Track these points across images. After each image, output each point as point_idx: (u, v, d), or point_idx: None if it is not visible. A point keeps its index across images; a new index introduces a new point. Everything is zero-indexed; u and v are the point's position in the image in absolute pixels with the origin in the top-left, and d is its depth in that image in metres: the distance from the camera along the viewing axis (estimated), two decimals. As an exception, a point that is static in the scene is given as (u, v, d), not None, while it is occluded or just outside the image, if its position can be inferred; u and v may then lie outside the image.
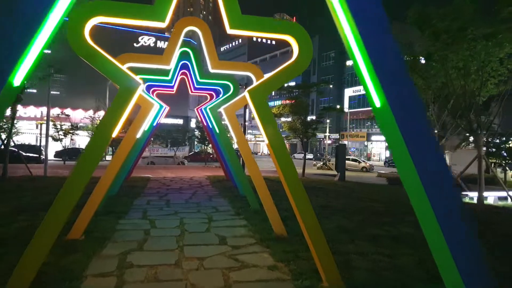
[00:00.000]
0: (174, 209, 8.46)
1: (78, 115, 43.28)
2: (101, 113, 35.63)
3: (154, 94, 13.04)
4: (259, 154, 69.64)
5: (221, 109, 6.19)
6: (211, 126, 10.69)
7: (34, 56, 2.64)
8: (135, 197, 9.94)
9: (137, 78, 4.08)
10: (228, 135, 9.31)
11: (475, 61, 12.23)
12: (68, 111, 43.91)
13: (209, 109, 8.61)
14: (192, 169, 23.08)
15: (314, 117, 20.42)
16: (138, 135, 5.89)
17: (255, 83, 6.33)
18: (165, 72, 8.38)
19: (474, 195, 14.15)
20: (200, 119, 14.16)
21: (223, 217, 7.69)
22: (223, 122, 9.19)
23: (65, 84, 57.32)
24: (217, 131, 8.69)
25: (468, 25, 11.33)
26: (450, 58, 12.61)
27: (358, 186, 16.25)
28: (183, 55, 9.99)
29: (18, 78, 2.61)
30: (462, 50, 11.96)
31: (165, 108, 12.63)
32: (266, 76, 4.30)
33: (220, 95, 9.51)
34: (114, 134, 3.84)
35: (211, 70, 5.84)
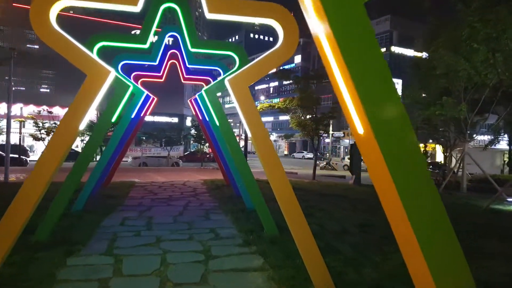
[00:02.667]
0: (156, 234, 5.97)
1: (67, 113, 40.62)
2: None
3: (139, 82, 10.59)
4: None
5: (226, 82, 3.70)
6: (208, 118, 8.22)
7: None
8: (107, 213, 7.43)
9: None
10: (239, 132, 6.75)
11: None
12: (56, 109, 41.29)
13: (206, 92, 6.14)
14: (187, 171, 20.56)
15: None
16: (82, 125, 3.42)
17: (279, 43, 3.88)
18: (142, 37, 5.87)
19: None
20: (194, 112, 11.71)
21: (226, 249, 5.21)
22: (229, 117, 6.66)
23: (54, 81, 54.59)
24: (217, 122, 6.19)
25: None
26: (502, 38, 10.32)
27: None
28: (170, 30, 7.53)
29: None
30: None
31: (150, 97, 10.13)
32: None
33: (220, 77, 7.04)
34: None
35: (208, 16, 3.40)
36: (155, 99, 11.27)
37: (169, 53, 9.69)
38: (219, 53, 6.36)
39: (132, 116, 8.11)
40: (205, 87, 6.30)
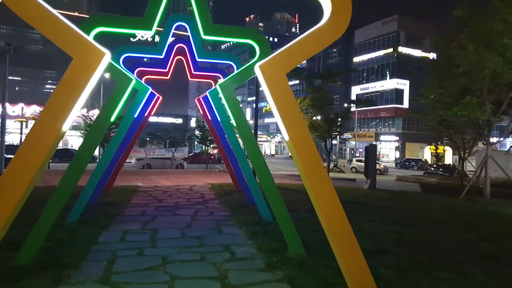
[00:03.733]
0: (162, 253, 5.10)
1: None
2: (96, 112, 32.52)
3: (143, 79, 9.79)
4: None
5: (256, 68, 2.83)
6: (220, 118, 7.36)
7: None
8: (106, 225, 6.58)
9: None
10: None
11: None
12: (59, 109, 40.70)
13: (221, 87, 5.26)
14: (192, 174, 19.73)
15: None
16: (67, 125, 2.57)
17: (325, 19, 3.00)
18: (146, 21, 4.99)
19: None
20: (202, 112, 10.86)
21: (246, 275, 4.32)
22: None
23: (57, 80, 54.03)
24: (233, 121, 5.29)
25: None
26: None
27: (399, 197, 12.92)
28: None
29: None
30: None
31: (155, 96, 9.29)
32: None
33: (236, 71, 6.17)
34: None
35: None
36: (160, 97, 10.45)
37: (176, 46, 8.87)
38: (236, 41, 5.48)
39: (135, 115, 7.27)
40: (220, 81, 5.43)
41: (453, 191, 14.78)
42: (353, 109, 46.92)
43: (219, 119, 8.02)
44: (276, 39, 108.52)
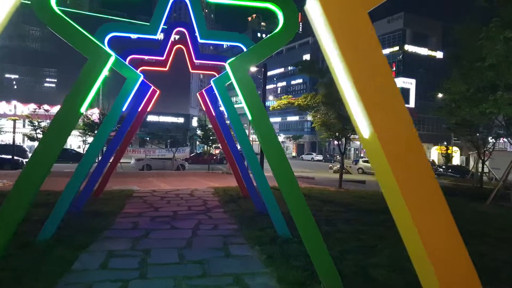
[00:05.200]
0: (153, 287, 3.86)
1: (69, 112, 39.15)
2: (95, 111, 31.34)
3: (138, 70, 8.54)
4: (262, 154, 65.12)
5: (310, 2, 1.60)
6: (227, 112, 6.11)
7: None
8: (87, 243, 5.30)
9: None
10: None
11: None
12: (58, 108, 39.57)
13: (231, 67, 3.99)
14: (193, 176, 18.45)
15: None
16: None
17: None
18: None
19: None
20: (205, 107, 9.57)
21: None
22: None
23: (56, 79, 52.77)
24: (248, 114, 3.99)
25: None
26: None
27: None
28: None
29: None
30: None
31: (150, 88, 8.05)
32: None
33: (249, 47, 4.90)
34: None
35: None
36: (157, 91, 9.21)
37: (174, 31, 7.64)
38: (249, 5, 4.22)
39: (124, 109, 6.03)
40: (230, 60, 4.17)
41: (474, 195, 13.64)
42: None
43: (225, 113, 6.77)
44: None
